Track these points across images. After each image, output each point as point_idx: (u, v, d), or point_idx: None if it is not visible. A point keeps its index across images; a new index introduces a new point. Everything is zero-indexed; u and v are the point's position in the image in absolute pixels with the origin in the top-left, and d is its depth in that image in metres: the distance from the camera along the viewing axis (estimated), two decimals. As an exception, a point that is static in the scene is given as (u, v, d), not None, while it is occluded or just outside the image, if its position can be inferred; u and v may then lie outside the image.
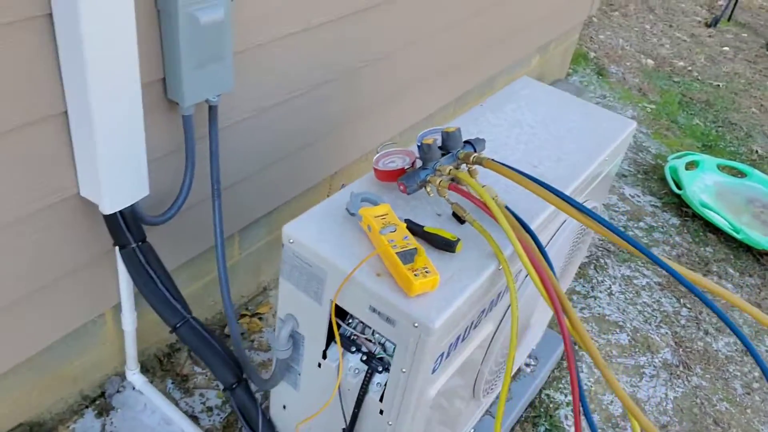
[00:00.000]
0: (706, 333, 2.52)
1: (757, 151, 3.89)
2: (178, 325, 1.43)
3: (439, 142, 1.21)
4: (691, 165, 3.39)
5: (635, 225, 3.05)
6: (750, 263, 2.95)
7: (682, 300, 2.64)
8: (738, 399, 2.26)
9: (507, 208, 1.16)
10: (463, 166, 1.19)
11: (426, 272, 0.99)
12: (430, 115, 2.60)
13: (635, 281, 2.69)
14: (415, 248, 1.03)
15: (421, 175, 1.14)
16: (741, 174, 3.46)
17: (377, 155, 1.23)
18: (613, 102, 4.13)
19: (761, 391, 2.30)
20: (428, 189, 1.15)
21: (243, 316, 2.13)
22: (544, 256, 1.10)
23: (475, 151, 1.20)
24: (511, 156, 1.36)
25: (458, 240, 1.08)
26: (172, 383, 1.86)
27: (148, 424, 1.72)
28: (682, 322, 2.55)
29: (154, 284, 1.41)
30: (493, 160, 1.15)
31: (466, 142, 1.20)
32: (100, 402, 1.75)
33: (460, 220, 1.16)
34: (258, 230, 2.03)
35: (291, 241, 1.10)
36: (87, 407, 1.73)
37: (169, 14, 1.24)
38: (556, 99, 1.59)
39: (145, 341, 1.85)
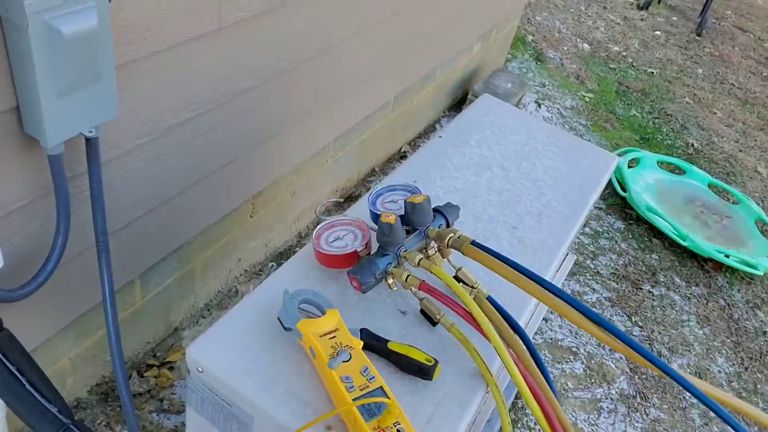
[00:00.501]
0: (660, 354, 2.38)
1: (693, 145, 3.82)
2: (53, 435, 1.08)
3: (398, 207, 0.91)
4: (632, 162, 3.26)
5: (581, 231, 2.88)
6: (695, 270, 2.85)
7: (633, 318, 2.49)
8: (696, 431, 2.14)
9: (491, 300, 0.88)
10: (432, 243, 0.90)
11: None
12: (368, 117, 2.28)
13: (585, 297, 2.51)
14: (382, 390, 0.74)
15: (380, 266, 0.84)
16: (680, 171, 3.37)
17: (318, 227, 0.91)
18: (553, 91, 3.94)
19: (718, 421, 2.19)
20: (390, 282, 0.85)
21: (150, 367, 1.77)
22: (543, 373, 0.84)
23: (448, 225, 0.90)
24: (484, 213, 1.08)
25: (436, 363, 0.80)
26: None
27: None
28: (634, 342, 2.40)
29: (20, 386, 1.05)
30: (474, 243, 0.86)
31: (436, 210, 0.91)
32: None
33: (432, 321, 0.88)
34: (165, 268, 1.67)
35: (200, 370, 0.78)
36: None
37: (17, 25, 0.87)
38: (524, 125, 1.31)
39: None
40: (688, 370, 2.35)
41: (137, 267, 1.52)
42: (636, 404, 2.16)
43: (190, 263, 1.75)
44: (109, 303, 1.15)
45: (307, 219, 2.25)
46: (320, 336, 0.77)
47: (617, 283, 2.64)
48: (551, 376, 0.85)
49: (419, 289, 0.83)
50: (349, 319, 0.87)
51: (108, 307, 1.15)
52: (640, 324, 2.47)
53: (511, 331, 0.86)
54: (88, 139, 1.05)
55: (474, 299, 0.88)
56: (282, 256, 2.15)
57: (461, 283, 0.88)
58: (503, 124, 1.30)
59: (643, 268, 2.77)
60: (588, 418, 2.07)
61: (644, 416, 2.13)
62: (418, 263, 0.84)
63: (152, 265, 1.58)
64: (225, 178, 1.63)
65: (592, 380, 2.19)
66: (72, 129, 1.01)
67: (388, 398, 0.73)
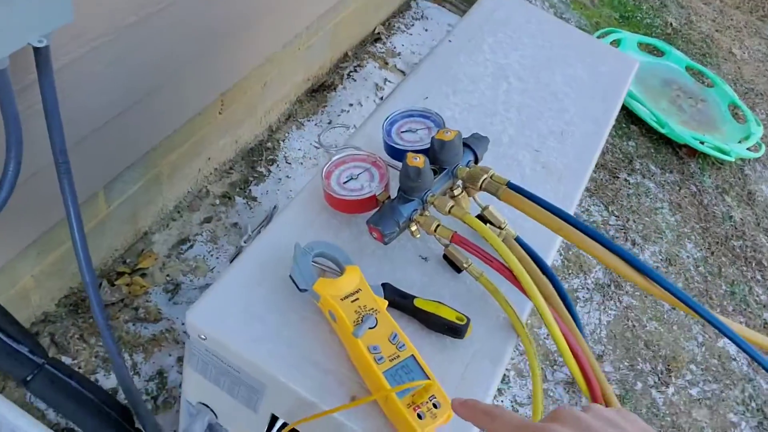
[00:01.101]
0: (634, 243, 2.41)
1: (671, 24, 3.67)
2: (29, 378, 0.99)
3: (417, 138, 0.79)
4: (613, 43, 3.12)
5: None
6: (669, 157, 2.83)
7: (609, 207, 2.49)
8: (665, 316, 2.21)
9: (519, 241, 0.80)
10: (458, 182, 0.79)
11: (434, 408, 0.63)
12: (342, -4, 2.05)
13: (564, 188, 2.47)
14: (414, 360, 0.66)
15: (404, 213, 0.74)
16: (659, 52, 3.26)
17: (328, 164, 0.79)
18: (532, -42, 3.65)
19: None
20: (414, 229, 0.75)
21: (121, 274, 1.67)
22: (575, 322, 0.78)
23: (477, 161, 0.79)
24: (503, 135, 0.97)
25: (468, 322, 0.72)
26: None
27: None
28: (611, 232, 2.41)
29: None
30: (510, 185, 0.76)
31: (464, 144, 0.79)
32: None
33: (457, 268, 0.79)
34: (130, 175, 1.52)
35: (202, 337, 0.69)
36: None
37: None
38: (539, 24, 1.16)
39: None
40: (660, 257, 2.40)
41: (100, 179, 1.37)
42: (610, 292, 2.21)
43: (157, 167, 1.59)
44: (76, 228, 1.01)
45: (278, 111, 2.07)
46: (341, 299, 0.68)
47: (595, 173, 2.60)
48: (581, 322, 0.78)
49: (451, 242, 0.74)
50: (366, 269, 0.77)
51: (76, 232, 1.01)
52: (616, 213, 2.47)
53: (541, 275, 0.79)
54: (37, 50, 0.86)
55: (503, 241, 0.79)
56: (253, 152, 2.00)
57: (488, 224, 0.79)
58: (517, 25, 1.14)
59: (621, 156, 2.73)
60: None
61: (618, 303, 2.18)
62: (449, 211, 0.74)
63: (116, 175, 1.43)
64: (192, 77, 1.44)
65: (570, 271, 2.21)
66: (18, 39, 0.82)
67: (427, 376, 0.65)
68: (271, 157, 1.99)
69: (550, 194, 0.91)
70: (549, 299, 0.77)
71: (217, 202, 1.85)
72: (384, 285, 0.74)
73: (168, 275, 1.70)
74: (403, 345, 0.67)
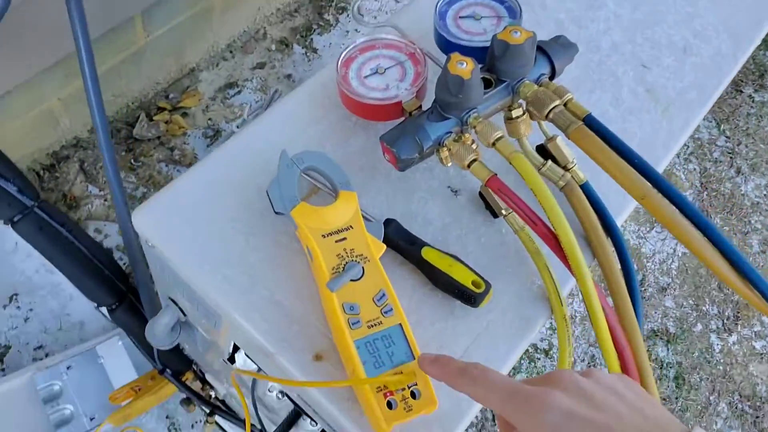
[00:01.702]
0: (739, 171, 2.09)
1: None
2: (16, 219, 0.92)
3: (480, 30, 0.57)
4: None
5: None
6: (814, 78, 2.37)
7: (722, 126, 2.14)
8: (752, 258, 1.95)
9: (587, 190, 0.60)
10: (521, 101, 0.58)
11: (411, 398, 0.49)
12: None
13: (674, 94, 2.13)
14: (400, 330, 0.51)
15: (432, 135, 0.54)
16: None
17: (350, 48, 0.59)
18: None
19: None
20: (444, 155, 0.56)
21: (161, 110, 1.56)
22: (634, 304, 0.60)
23: (553, 76, 0.57)
24: (605, 37, 0.72)
25: (487, 289, 0.55)
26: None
27: (23, 270, 1.30)
28: (716, 154, 2.09)
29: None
30: (590, 121, 0.54)
31: (538, 48, 0.57)
32: (-46, 237, 1.29)
33: (493, 213, 0.61)
34: (174, 4, 1.34)
35: (150, 244, 0.55)
36: (-65, 243, 1.28)
37: None
38: None
39: (14, 150, 1.32)
40: (763, 192, 2.08)
41: (136, 3, 1.20)
42: (695, 225, 1.95)
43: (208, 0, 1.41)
44: (85, 59, 0.87)
45: (361, -52, 1.79)
46: (324, 235, 0.52)
47: (716, 82, 2.22)
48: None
49: (486, 185, 0.54)
50: (372, 195, 0.60)
51: (84, 62, 0.87)
52: (728, 134, 2.13)
53: (603, 238, 0.60)
54: None
55: (565, 186, 0.60)
56: (323, -7, 1.76)
57: (549, 160, 0.59)
58: None
59: (752, 67, 2.31)
60: (638, 230, 1.89)
61: (700, 240, 1.93)
62: (493, 143, 0.54)
63: (154, 1, 1.26)
64: None
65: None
66: None
67: (411, 355, 0.50)
68: (342, 4, 1.75)
69: (646, 129, 0.69)
70: (608, 275, 0.59)
71: (274, 47, 1.66)
72: (388, 222, 0.57)
73: (210, 119, 1.57)
74: (391, 310, 0.51)
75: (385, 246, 0.54)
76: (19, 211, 0.92)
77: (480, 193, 0.61)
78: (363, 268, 0.52)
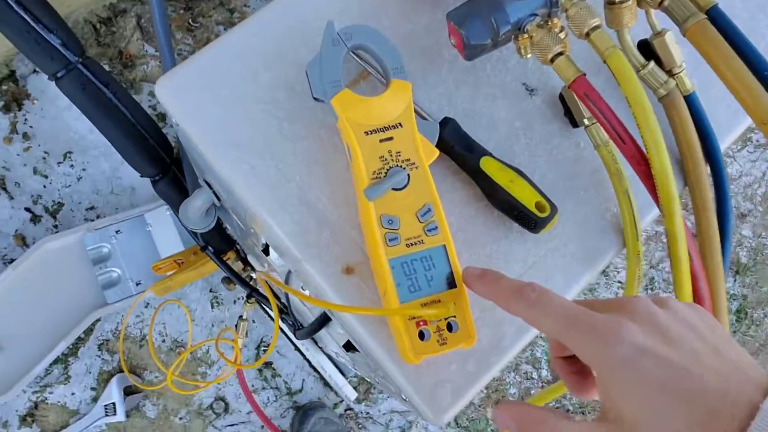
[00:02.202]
0: None
1: None
2: (59, 75, 0.87)
3: None
4: None
5: None
6: None
7: None
8: None
9: (692, 103, 0.49)
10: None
11: (447, 330, 0.43)
12: None
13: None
14: (443, 253, 0.44)
15: (513, 17, 0.44)
16: None
17: None
18: None
19: None
20: (522, 46, 0.46)
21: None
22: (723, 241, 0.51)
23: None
24: None
25: (552, 214, 0.47)
26: (111, 66, 1.34)
27: (77, 129, 1.29)
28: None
29: (9, 10, 0.79)
30: (713, 13, 0.42)
31: None
32: (9, 87, 1.27)
33: (573, 120, 0.51)
34: None
35: (175, 122, 0.49)
36: (-8, 93, 1.27)
37: None
38: None
39: (69, 2, 1.27)
40: None
41: None
42: (792, 152, 1.76)
43: None
44: None
45: None
46: (367, 132, 0.44)
47: None
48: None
49: (570, 87, 0.44)
50: (431, 86, 0.51)
51: None
52: None
53: (701, 166, 0.50)
54: None
55: (666, 97, 0.49)
56: None
57: (652, 61, 0.48)
58: None
59: None
60: (729, 147, 1.72)
61: (796, 168, 1.75)
62: (587, 34, 0.43)
63: None
64: None
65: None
66: None
67: (453, 283, 0.43)
68: None
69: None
70: (700, 211, 0.49)
71: None
72: (445, 122, 0.48)
73: (273, -16, 1.45)
74: (435, 228, 0.44)
75: (437, 151, 0.46)
76: (62, 66, 0.87)
77: (561, 96, 0.51)
78: (408, 175, 0.44)
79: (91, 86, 0.89)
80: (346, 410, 1.32)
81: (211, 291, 1.27)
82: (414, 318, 0.43)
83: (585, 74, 0.44)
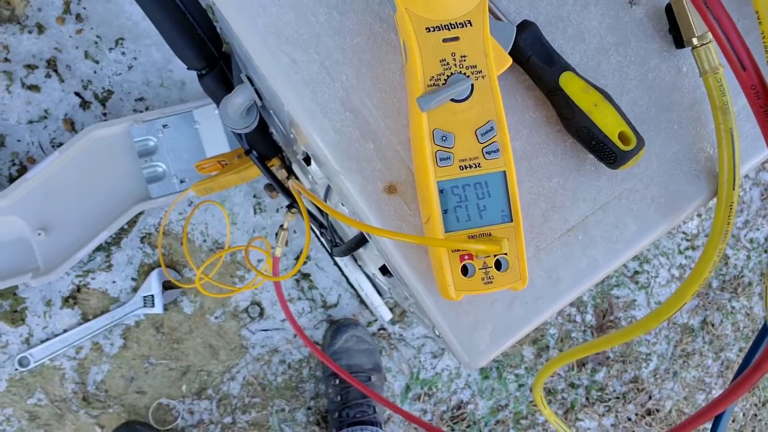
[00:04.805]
0: None
1: None
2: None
3: None
4: None
5: None
6: None
7: None
8: None
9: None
10: None
11: (495, 268, 0.37)
12: None
13: None
14: (501, 180, 0.37)
15: None
16: None
17: None
18: None
19: None
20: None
21: None
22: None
23: None
24: None
25: (637, 147, 0.39)
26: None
27: (130, 15, 1.24)
28: None
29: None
30: None
31: None
32: (65, -36, 1.22)
33: (679, 38, 0.42)
34: None
35: (213, 3, 0.42)
36: (47, -31, 1.22)
37: None
38: None
39: None
40: None
41: None
42: None
43: None
44: None
45: None
46: (429, 29, 0.37)
47: None
48: None
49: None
50: (513, -18, 0.43)
51: None
52: None
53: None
54: None
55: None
56: None
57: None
58: None
59: None
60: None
61: None
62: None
63: None
64: None
65: None
66: None
67: (509, 216, 0.37)
68: None
69: None
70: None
71: None
72: (523, 26, 0.40)
73: None
74: (497, 150, 0.37)
75: (510, 60, 0.38)
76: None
77: (668, 7, 0.42)
78: (472, 85, 0.37)
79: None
80: (379, 329, 1.30)
81: (255, 196, 1.24)
82: (458, 251, 0.37)
83: (708, -22, 0.35)
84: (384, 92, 0.41)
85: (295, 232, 1.26)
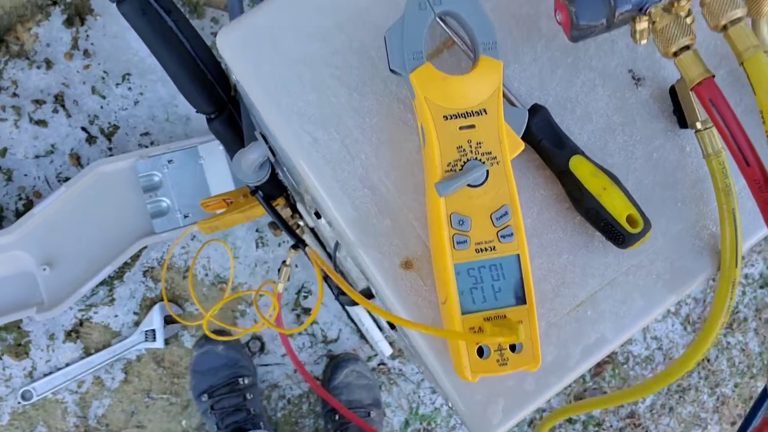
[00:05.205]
0: None
1: None
2: None
3: None
4: None
5: None
6: None
7: None
8: None
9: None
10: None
11: (510, 351, 0.39)
12: None
13: None
14: (516, 264, 0.39)
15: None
16: None
17: None
18: None
19: None
20: (640, 29, 0.39)
21: None
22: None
23: None
24: None
25: (644, 230, 0.41)
26: (178, -10, 1.29)
27: (137, 51, 1.26)
28: None
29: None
30: None
31: None
32: (74, 0, 1.24)
33: (683, 120, 0.44)
34: None
35: (234, 78, 0.44)
36: (55, 3, 1.24)
37: None
38: None
39: None
40: None
41: None
42: None
43: None
44: None
45: None
46: (447, 117, 0.39)
47: None
48: None
49: (693, 90, 0.38)
50: (524, 66, 0.44)
51: None
52: None
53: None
54: None
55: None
56: None
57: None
58: None
59: None
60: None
61: None
62: (724, 27, 0.36)
63: None
64: None
65: None
66: None
67: (522, 299, 0.39)
68: None
69: None
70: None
71: None
72: (534, 109, 0.42)
73: None
74: (510, 234, 0.39)
75: (523, 145, 0.40)
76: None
77: (672, 89, 0.44)
78: (487, 171, 0.39)
79: (152, 11, 0.85)
80: (379, 364, 1.31)
81: (257, 231, 1.25)
82: (475, 329, 0.38)
83: (714, 75, 0.37)
84: (401, 170, 0.43)
85: (296, 266, 1.27)
